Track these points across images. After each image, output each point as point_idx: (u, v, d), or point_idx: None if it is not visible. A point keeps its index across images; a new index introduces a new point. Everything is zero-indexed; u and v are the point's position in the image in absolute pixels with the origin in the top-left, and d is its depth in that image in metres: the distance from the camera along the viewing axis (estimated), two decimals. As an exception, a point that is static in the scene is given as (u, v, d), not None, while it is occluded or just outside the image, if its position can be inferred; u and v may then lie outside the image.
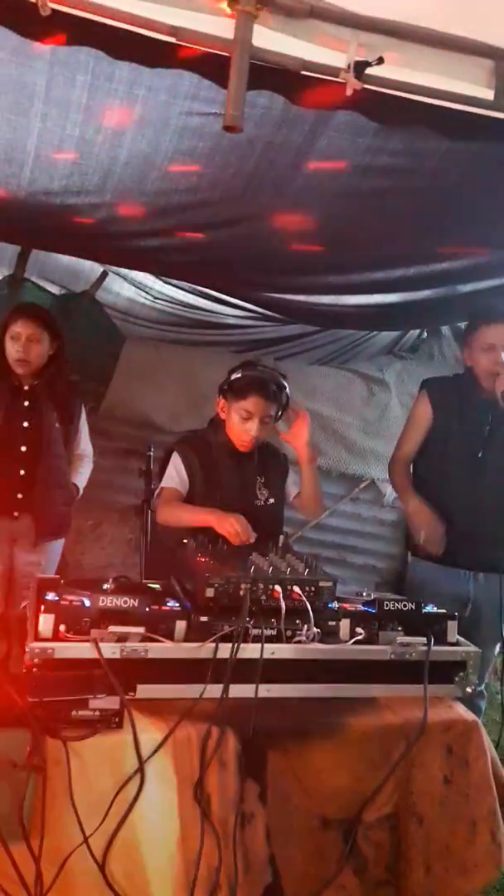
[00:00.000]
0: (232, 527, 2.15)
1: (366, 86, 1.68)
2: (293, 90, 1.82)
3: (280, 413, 2.55)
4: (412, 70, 1.77)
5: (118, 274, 3.83)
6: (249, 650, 1.66)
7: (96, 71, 1.84)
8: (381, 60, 1.66)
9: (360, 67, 1.65)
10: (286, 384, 2.56)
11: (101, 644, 1.55)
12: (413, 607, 1.88)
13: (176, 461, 2.49)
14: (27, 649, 1.52)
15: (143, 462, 4.04)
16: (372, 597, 1.92)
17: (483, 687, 2.83)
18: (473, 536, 2.67)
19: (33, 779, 1.40)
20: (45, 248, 3.52)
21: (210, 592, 1.73)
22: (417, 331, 4.88)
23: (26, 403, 2.87)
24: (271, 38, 1.63)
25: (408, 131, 2.02)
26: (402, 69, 1.75)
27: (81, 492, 3.12)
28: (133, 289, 3.95)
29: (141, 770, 1.47)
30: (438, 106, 1.85)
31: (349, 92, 1.66)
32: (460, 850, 1.72)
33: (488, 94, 1.76)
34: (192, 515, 2.33)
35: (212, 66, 1.72)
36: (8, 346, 2.81)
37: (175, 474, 2.48)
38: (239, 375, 2.49)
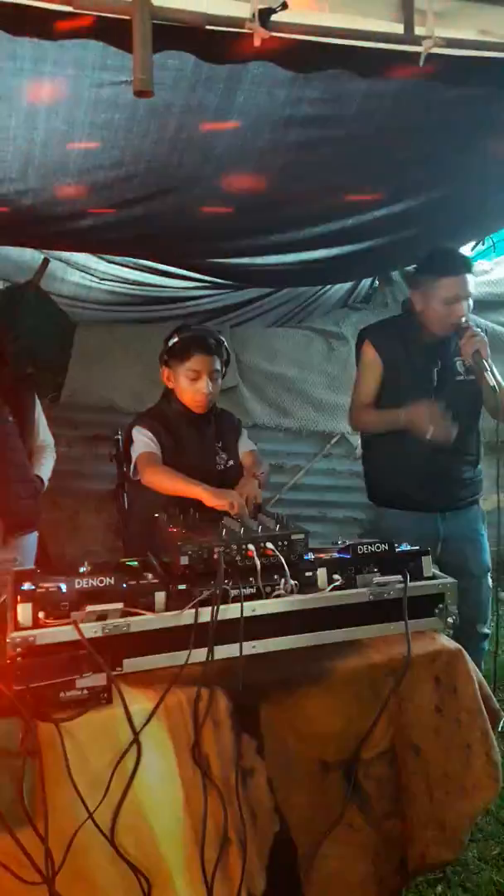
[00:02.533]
0: (230, 499, 2.11)
1: (273, 33, 1.65)
2: (201, 47, 1.79)
3: (224, 369, 2.56)
4: (319, 12, 1.75)
5: (60, 259, 3.78)
6: (230, 611, 1.68)
7: (-3, 51, 1.80)
8: (284, 6, 1.64)
9: (264, 15, 1.63)
10: (223, 338, 2.56)
11: (81, 625, 1.56)
12: (387, 548, 1.91)
13: (141, 432, 2.49)
14: (8, 640, 1.53)
15: (113, 447, 4.03)
16: (346, 543, 1.95)
17: (489, 627, 2.84)
18: (433, 479, 2.69)
19: (30, 764, 1.41)
20: (-19, 242, 3.46)
21: (185, 560, 1.74)
22: (369, 280, 4.89)
23: (-27, 400, 2.83)
24: (171, -5, 1.60)
25: (324, 77, 2.00)
26: (308, 12, 1.73)
27: (47, 483, 3.10)
28: (77, 273, 3.91)
29: (136, 741, 1.50)
30: (350, 46, 1.83)
31: (257, 42, 1.64)
32: (458, 774, 1.78)
33: (398, 28, 1.75)
34: (183, 486, 2.26)
35: (115, 31, 1.68)
36: None
37: (146, 440, 2.47)
38: (176, 339, 2.50)
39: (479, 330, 2.59)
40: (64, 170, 2.33)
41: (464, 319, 2.59)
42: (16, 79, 1.89)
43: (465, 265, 2.65)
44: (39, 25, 1.67)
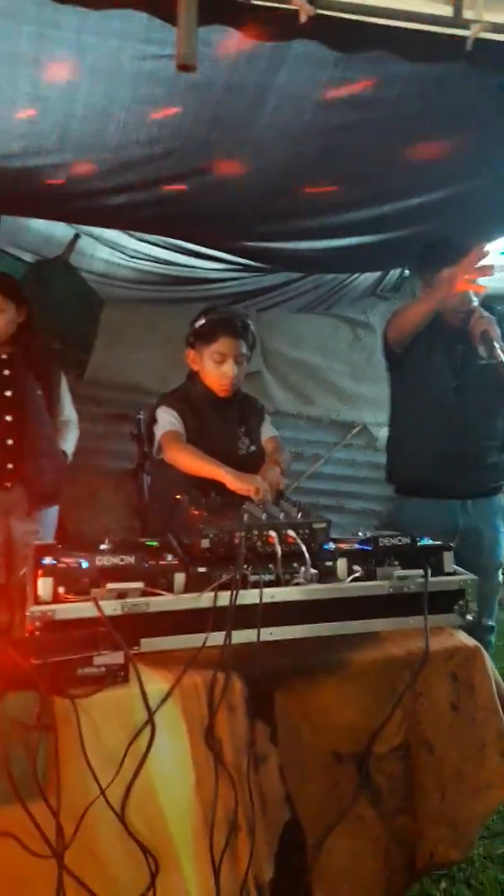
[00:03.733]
0: (254, 484, 2.11)
1: (320, 11, 1.62)
2: (246, 23, 1.75)
3: (250, 353, 2.55)
4: (368, -10, 1.71)
5: (91, 235, 3.77)
6: (249, 596, 1.67)
7: (42, 19, 1.77)
8: (333, -18, 1.60)
9: (312, -8, 1.59)
10: (250, 322, 2.54)
11: (101, 602, 1.56)
12: (409, 541, 1.89)
13: (166, 411, 2.49)
14: (27, 614, 1.53)
15: (134, 426, 4.03)
16: (367, 535, 1.93)
17: (493, 620, 2.84)
18: (458, 462, 2.68)
19: (44, 738, 1.42)
20: (11, 213, 3.45)
21: (206, 543, 1.73)
22: (399, 269, 4.83)
23: (6, 373, 2.85)
24: (219, -31, 1.57)
25: (368, 59, 1.96)
26: (358, -10, 1.69)
27: (70, 458, 3.12)
28: (107, 249, 3.90)
29: (151, 721, 1.49)
30: (397, 27, 1.78)
31: (303, 19, 1.61)
32: (472, 772, 1.76)
33: (447, 11, 1.70)
34: (207, 466, 2.26)
35: (161, 2, 1.65)
36: None
37: (171, 419, 2.47)
38: (203, 321, 2.49)
39: (485, 312, 2.56)
40: (101, 144, 2.31)
41: (474, 302, 2.57)
42: (58, 48, 1.87)
43: (461, 255, 2.62)
44: (85, -7, 1.64)
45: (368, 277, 4.77)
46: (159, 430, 2.46)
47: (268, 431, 2.68)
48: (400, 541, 1.88)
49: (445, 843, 1.71)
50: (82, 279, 4.01)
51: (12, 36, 1.82)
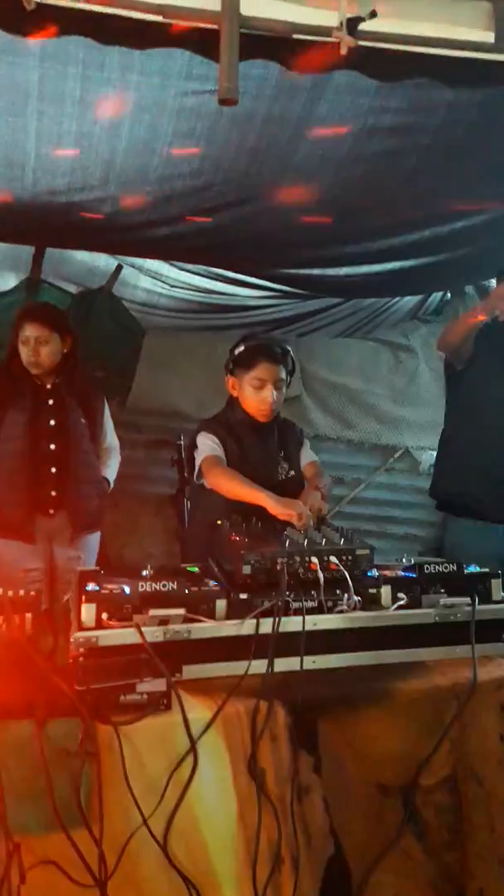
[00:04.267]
0: (296, 510, 2.10)
1: (361, 42, 1.64)
2: (287, 56, 1.79)
3: (289, 378, 2.55)
4: (407, 20, 1.73)
5: (133, 266, 3.84)
6: (291, 623, 1.65)
7: (87, 61, 1.84)
8: (373, 14, 1.63)
9: (352, 24, 1.62)
10: (289, 347, 2.55)
11: (143, 628, 1.56)
12: (455, 569, 1.86)
13: (206, 437, 2.51)
14: (72, 639, 1.54)
15: (175, 452, 4.07)
16: (412, 562, 1.90)
17: None
18: None
19: (87, 765, 1.41)
20: (57, 246, 3.55)
21: (247, 569, 1.73)
22: (441, 293, 4.80)
23: (50, 402, 2.90)
24: (259, 5, 1.61)
25: (409, 87, 1.98)
26: (396, 21, 1.72)
27: (112, 484, 3.15)
28: (149, 279, 3.96)
29: (193, 749, 1.48)
30: (438, 55, 1.81)
31: (344, 51, 1.63)
32: (523, 807, 1.71)
33: (488, 38, 1.72)
34: (248, 490, 2.27)
35: (202, 40, 1.70)
36: (21, 350, 2.84)
37: (211, 443, 2.49)
38: (242, 348, 2.51)
39: None
40: (144, 178, 2.37)
41: None
42: (103, 88, 1.93)
43: None
44: (129, 35, 1.70)
45: (409, 301, 4.76)
46: (200, 455, 2.47)
47: (307, 456, 2.67)
48: (446, 568, 1.85)
49: (497, 880, 1.65)
50: (125, 309, 4.08)
51: (59, 77, 1.90)
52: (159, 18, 1.60)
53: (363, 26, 1.62)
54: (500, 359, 2.69)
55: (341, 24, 1.61)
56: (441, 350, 2.87)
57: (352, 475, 4.59)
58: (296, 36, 1.65)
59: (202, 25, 1.62)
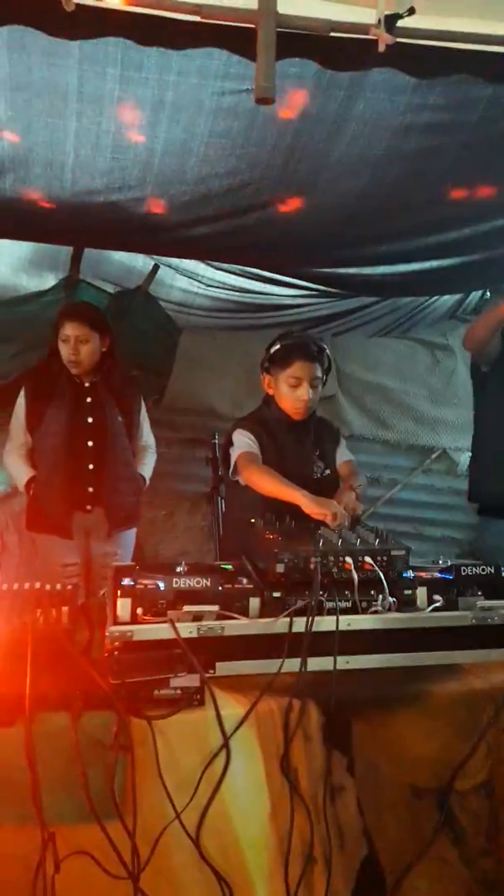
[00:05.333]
0: (331, 509, 2.09)
1: (398, 39, 1.63)
2: (324, 54, 1.79)
3: (325, 377, 2.55)
4: (445, 16, 1.72)
5: (169, 266, 3.86)
6: (325, 623, 1.65)
7: (125, 61, 1.85)
8: (412, 10, 1.62)
9: (390, 20, 1.61)
10: (325, 346, 2.54)
11: (178, 624, 1.57)
12: (492, 571, 1.84)
13: (242, 434, 2.51)
14: (107, 633, 1.56)
15: (210, 450, 4.08)
16: (448, 563, 1.88)
17: None
18: None
19: (122, 759, 1.43)
20: (95, 246, 3.58)
21: (280, 568, 1.73)
22: (480, 292, 4.74)
23: (88, 400, 2.94)
24: (296, 3, 1.61)
25: (447, 83, 1.96)
26: (434, 17, 1.70)
27: (148, 482, 3.18)
28: (185, 279, 3.98)
29: (226, 745, 1.49)
30: (476, 50, 1.79)
31: (382, 48, 1.62)
32: None
33: (528, 31, 1.68)
34: (283, 488, 2.26)
35: (239, 39, 1.71)
36: (61, 349, 2.88)
37: (247, 440, 2.49)
38: (278, 346, 2.51)
39: None
40: (181, 178, 2.38)
41: None
42: (141, 88, 1.95)
43: None
44: (167, 35, 1.71)
45: (448, 300, 4.70)
46: (235, 452, 2.48)
47: (343, 455, 2.66)
48: (483, 570, 1.83)
49: (533, 888, 1.63)
50: (161, 308, 4.11)
51: (98, 78, 1.91)
52: (196, 18, 1.61)
53: (401, 23, 1.60)
54: None
55: (379, 21, 1.60)
56: (467, 348, 2.83)
57: (388, 476, 4.55)
58: (333, 34, 1.65)
59: (239, 24, 1.62)
